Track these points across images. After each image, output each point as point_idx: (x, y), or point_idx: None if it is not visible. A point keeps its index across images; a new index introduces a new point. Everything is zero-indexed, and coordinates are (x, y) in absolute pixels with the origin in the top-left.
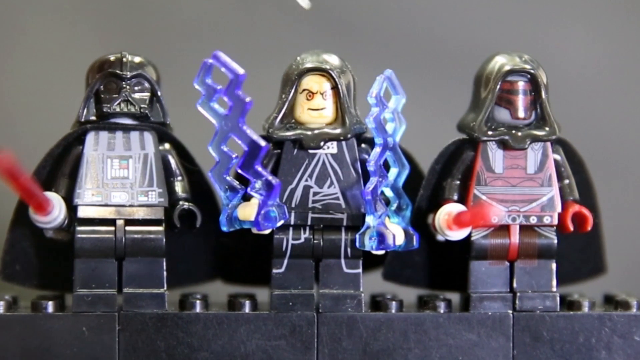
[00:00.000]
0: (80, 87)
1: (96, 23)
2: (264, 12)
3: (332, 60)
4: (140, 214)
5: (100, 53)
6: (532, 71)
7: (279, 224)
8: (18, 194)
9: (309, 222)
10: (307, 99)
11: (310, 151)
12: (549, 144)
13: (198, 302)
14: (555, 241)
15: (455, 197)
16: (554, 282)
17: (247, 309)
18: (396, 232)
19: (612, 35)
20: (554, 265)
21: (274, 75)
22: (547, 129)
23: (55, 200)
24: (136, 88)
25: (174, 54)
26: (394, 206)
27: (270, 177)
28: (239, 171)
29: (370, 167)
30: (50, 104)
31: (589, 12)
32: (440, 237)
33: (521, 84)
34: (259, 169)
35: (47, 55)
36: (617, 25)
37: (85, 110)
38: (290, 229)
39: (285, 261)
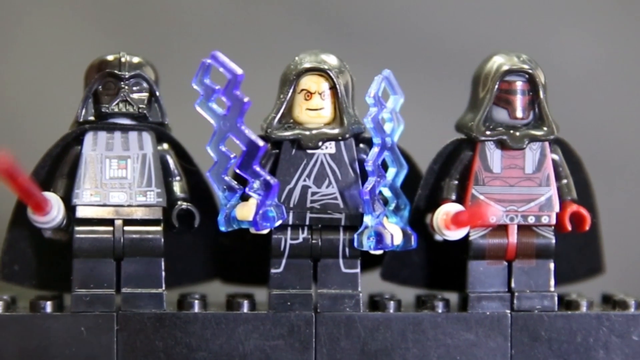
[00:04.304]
0: (79, 87)
1: (95, 23)
2: (263, 12)
3: (331, 60)
4: (139, 214)
5: (99, 53)
6: (530, 71)
7: (277, 223)
8: (16, 194)
9: (307, 222)
10: (306, 99)
11: (309, 151)
12: (547, 143)
13: (196, 302)
14: (553, 241)
15: (453, 197)
16: (552, 282)
17: (245, 309)
18: (394, 232)
19: (610, 35)
20: (552, 265)
21: (272, 75)
22: (545, 128)
23: (54, 201)
24: (134, 88)
25: (172, 54)
26: (392, 206)
27: (268, 177)
28: (237, 171)
29: (369, 167)
30: (49, 104)
31: (586, 12)
32: (438, 237)
33: (519, 84)
34: (257, 168)
35: (46, 55)
36: (615, 25)
37: (83, 111)
38: (289, 228)
39: (284, 261)
